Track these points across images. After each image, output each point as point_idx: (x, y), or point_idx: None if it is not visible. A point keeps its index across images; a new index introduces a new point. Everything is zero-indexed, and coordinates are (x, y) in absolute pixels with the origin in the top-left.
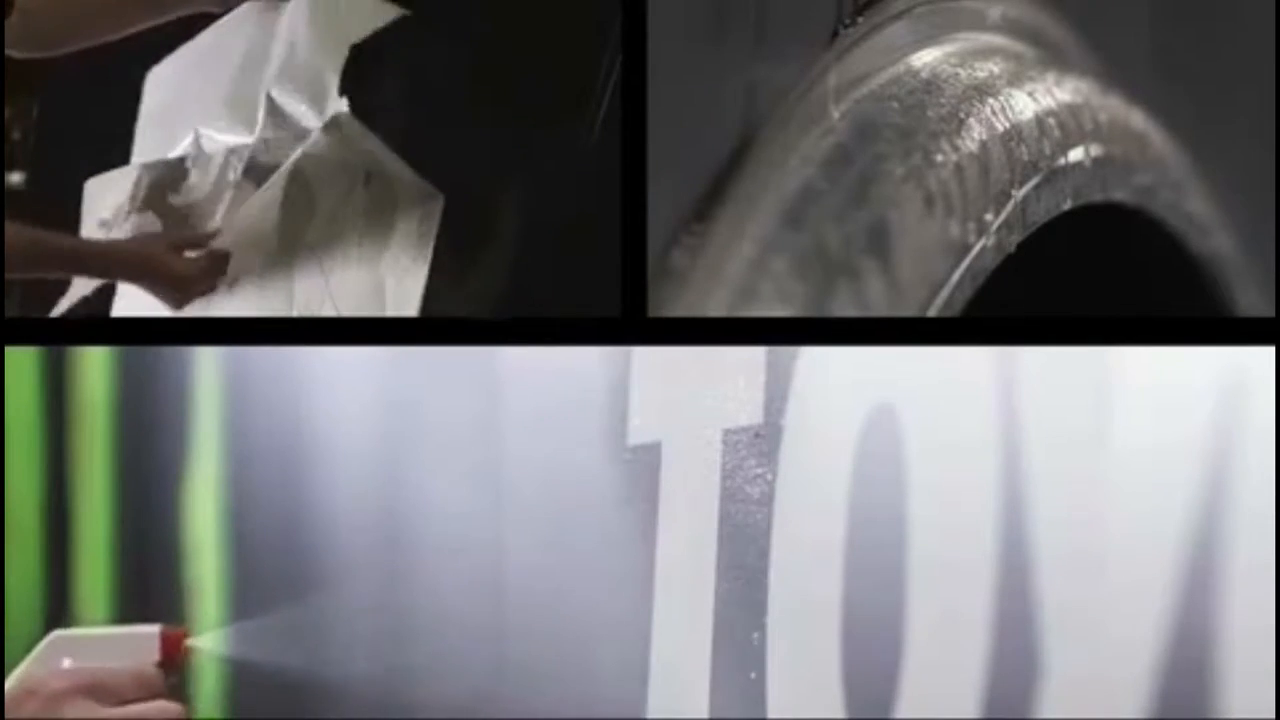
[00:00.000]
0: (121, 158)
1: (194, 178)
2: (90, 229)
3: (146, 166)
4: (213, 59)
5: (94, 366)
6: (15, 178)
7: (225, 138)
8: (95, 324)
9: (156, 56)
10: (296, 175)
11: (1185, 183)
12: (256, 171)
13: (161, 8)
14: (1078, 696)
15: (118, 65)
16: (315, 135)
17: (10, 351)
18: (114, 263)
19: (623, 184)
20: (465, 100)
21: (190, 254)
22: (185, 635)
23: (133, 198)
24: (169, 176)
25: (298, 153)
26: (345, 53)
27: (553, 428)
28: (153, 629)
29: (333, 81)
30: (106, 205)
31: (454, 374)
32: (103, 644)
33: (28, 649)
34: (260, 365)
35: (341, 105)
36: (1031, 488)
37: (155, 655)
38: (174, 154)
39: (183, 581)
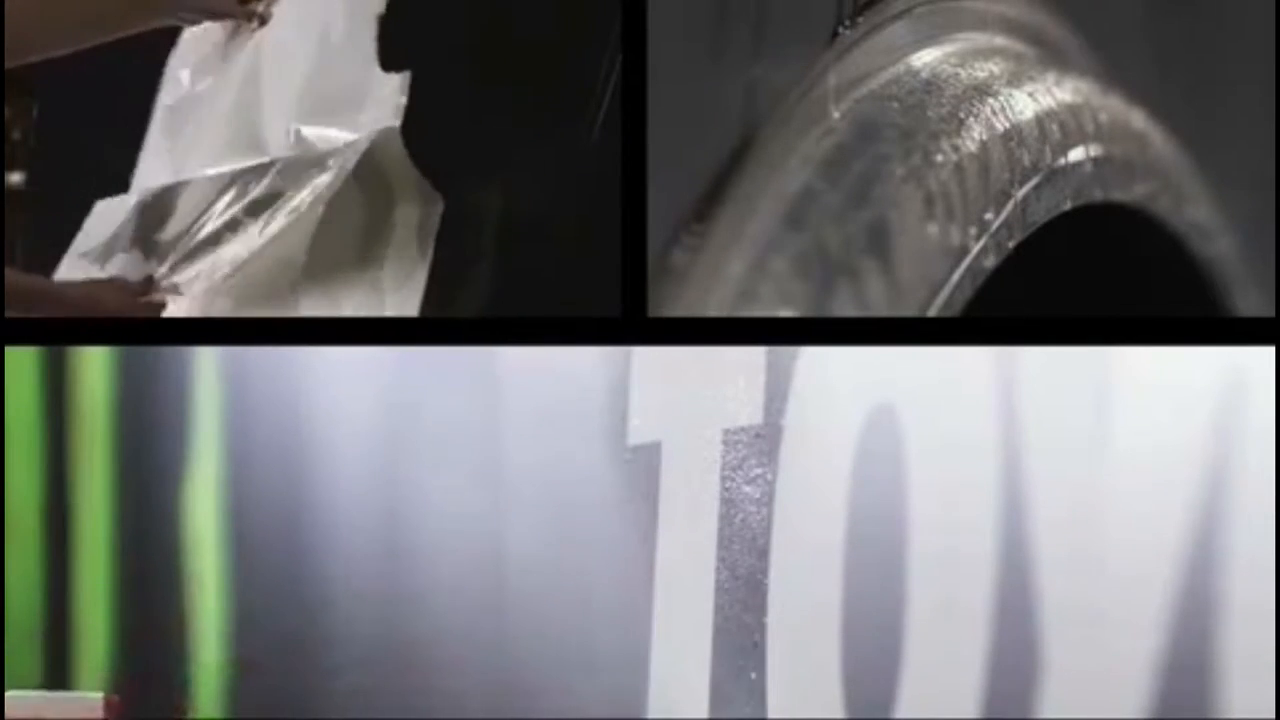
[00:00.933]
0: (122, 158)
1: (183, 206)
2: (71, 259)
3: (140, 201)
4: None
5: (94, 366)
6: (15, 178)
7: (214, 168)
8: (95, 324)
9: (160, 54)
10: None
11: (1185, 185)
12: (260, 201)
13: (120, 25)
14: (1078, 698)
15: (117, 65)
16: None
17: (10, 351)
18: (66, 305)
19: (623, 184)
20: (465, 100)
21: (143, 300)
22: (124, 703)
23: (125, 226)
24: (157, 210)
25: (327, 178)
26: (375, 28)
27: (553, 428)
28: (96, 696)
29: (371, 64)
30: (94, 237)
31: (454, 374)
32: (51, 706)
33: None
34: (260, 365)
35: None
36: (1031, 487)
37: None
38: (163, 183)
39: (182, 581)
